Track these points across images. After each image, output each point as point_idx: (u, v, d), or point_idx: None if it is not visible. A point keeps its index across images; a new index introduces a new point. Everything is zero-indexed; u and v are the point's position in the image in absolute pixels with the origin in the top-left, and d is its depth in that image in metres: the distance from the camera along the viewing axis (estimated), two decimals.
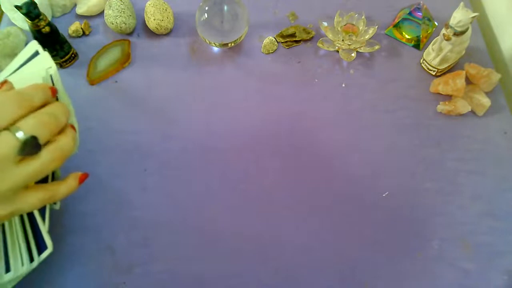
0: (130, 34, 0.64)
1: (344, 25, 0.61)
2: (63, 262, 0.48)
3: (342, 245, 0.48)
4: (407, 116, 0.56)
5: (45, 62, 0.37)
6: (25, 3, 0.51)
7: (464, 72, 0.56)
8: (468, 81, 0.58)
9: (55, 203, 0.42)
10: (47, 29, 0.55)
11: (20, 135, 0.28)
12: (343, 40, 0.60)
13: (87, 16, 0.66)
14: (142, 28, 0.65)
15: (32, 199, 0.32)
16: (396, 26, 0.63)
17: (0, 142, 0.28)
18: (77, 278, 0.47)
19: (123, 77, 0.61)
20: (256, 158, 0.54)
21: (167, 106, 0.58)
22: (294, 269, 0.47)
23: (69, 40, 0.61)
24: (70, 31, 0.64)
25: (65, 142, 0.32)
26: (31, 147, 0.29)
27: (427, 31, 0.63)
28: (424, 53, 0.59)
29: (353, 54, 0.60)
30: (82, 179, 0.38)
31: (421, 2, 0.63)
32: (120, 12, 0.61)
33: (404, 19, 0.62)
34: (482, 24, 0.67)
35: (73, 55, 0.61)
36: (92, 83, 0.60)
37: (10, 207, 0.31)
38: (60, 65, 0.61)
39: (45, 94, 0.33)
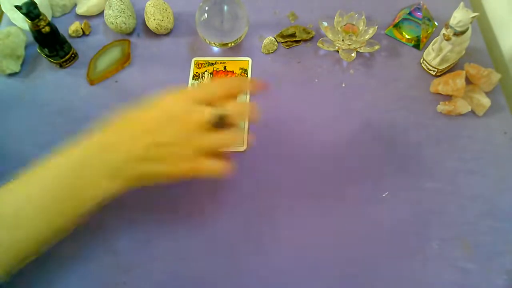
0: (130, 34, 0.65)
1: (344, 25, 0.61)
2: (63, 262, 0.48)
3: (342, 245, 0.48)
4: (407, 116, 0.56)
5: None
6: (25, 3, 0.51)
7: (464, 72, 0.56)
8: (468, 81, 0.58)
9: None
10: (47, 29, 0.55)
11: (217, 111, 0.40)
12: (343, 40, 0.60)
13: (87, 16, 0.66)
14: (142, 28, 0.65)
15: (208, 163, 0.41)
16: (396, 26, 0.63)
17: (205, 112, 0.40)
18: (78, 278, 0.47)
19: (123, 77, 0.61)
20: (255, 158, 0.54)
21: None
22: (294, 269, 0.47)
23: (69, 40, 0.61)
24: (70, 31, 0.64)
25: (235, 135, 0.42)
26: (221, 120, 0.40)
27: (427, 31, 0.63)
28: (424, 53, 0.59)
29: (353, 54, 0.60)
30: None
31: (421, 2, 0.63)
32: (120, 12, 0.61)
33: (404, 19, 0.62)
34: (482, 24, 0.67)
35: (73, 55, 0.61)
36: (92, 83, 0.60)
37: (191, 164, 0.41)
38: (60, 65, 0.61)
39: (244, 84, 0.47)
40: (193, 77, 0.60)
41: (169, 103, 0.42)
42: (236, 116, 0.41)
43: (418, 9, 0.62)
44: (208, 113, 0.40)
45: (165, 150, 0.40)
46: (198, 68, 0.61)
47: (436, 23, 0.64)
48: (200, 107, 0.40)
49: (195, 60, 0.62)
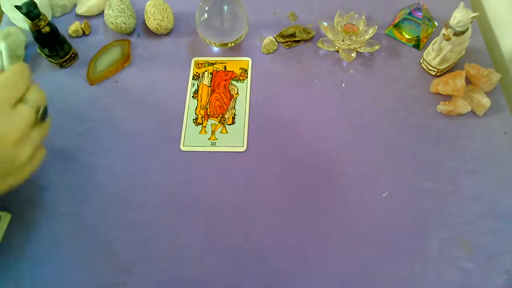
0: (130, 34, 0.65)
1: (344, 25, 0.61)
2: (63, 262, 0.48)
3: (342, 244, 0.48)
4: (407, 116, 0.56)
5: None
6: (25, 3, 0.51)
7: (464, 72, 0.56)
8: (468, 81, 0.58)
9: None
10: (47, 29, 0.55)
11: (29, 104, 0.37)
12: (343, 40, 0.60)
13: (87, 16, 0.66)
14: (142, 28, 0.65)
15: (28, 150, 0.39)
16: (396, 26, 0.63)
17: (22, 111, 0.37)
18: (77, 278, 0.47)
19: (123, 77, 0.61)
20: (255, 157, 0.54)
21: (167, 106, 0.58)
22: (293, 269, 0.47)
23: (69, 40, 0.61)
24: (70, 31, 0.64)
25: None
26: (45, 114, 0.38)
27: (427, 31, 0.63)
28: (424, 53, 0.59)
29: (353, 54, 0.60)
30: None
31: (421, 2, 0.63)
32: (120, 12, 0.61)
33: (404, 19, 0.62)
34: (482, 24, 0.67)
35: (73, 55, 0.61)
36: (92, 83, 0.60)
37: (32, 166, 0.40)
38: (60, 65, 0.61)
39: (29, 75, 0.40)
40: (193, 77, 0.60)
41: None
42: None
43: (418, 9, 0.62)
44: (30, 113, 0.38)
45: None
46: (198, 68, 0.61)
47: (436, 23, 0.64)
48: (16, 111, 0.37)
49: (195, 60, 0.62)
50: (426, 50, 0.59)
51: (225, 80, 0.60)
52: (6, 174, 0.38)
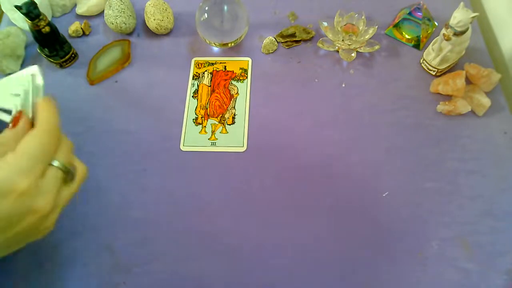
0: (130, 34, 0.65)
1: (344, 25, 0.61)
2: (63, 262, 0.48)
3: (342, 245, 0.48)
4: (407, 116, 0.56)
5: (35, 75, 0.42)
6: (25, 3, 0.51)
7: (464, 72, 0.56)
8: (468, 81, 0.58)
9: None
10: (47, 29, 0.55)
11: (58, 165, 0.36)
12: (343, 40, 0.60)
13: (87, 16, 0.66)
14: (142, 28, 0.65)
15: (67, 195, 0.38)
16: (396, 26, 0.63)
17: (53, 172, 0.35)
18: (77, 278, 0.47)
19: (123, 77, 0.61)
20: (256, 157, 0.54)
21: (167, 106, 0.58)
22: (293, 269, 0.47)
23: (69, 40, 0.61)
24: (70, 31, 0.64)
25: (82, 168, 0.40)
26: (72, 174, 0.37)
27: (427, 31, 0.63)
28: (424, 53, 0.59)
29: (353, 54, 0.60)
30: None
31: (421, 2, 0.63)
32: (120, 12, 0.61)
33: (404, 19, 0.62)
34: (482, 24, 0.67)
35: (73, 55, 0.61)
36: (92, 83, 0.60)
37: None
38: (60, 65, 0.61)
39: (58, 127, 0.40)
40: (193, 77, 0.60)
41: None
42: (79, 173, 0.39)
43: (418, 9, 0.62)
44: (58, 173, 0.35)
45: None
46: (198, 68, 0.61)
47: (436, 23, 0.64)
48: (46, 179, 0.34)
49: (195, 60, 0.62)
50: (426, 50, 0.59)
51: (225, 80, 0.60)
52: (28, 238, 0.35)
